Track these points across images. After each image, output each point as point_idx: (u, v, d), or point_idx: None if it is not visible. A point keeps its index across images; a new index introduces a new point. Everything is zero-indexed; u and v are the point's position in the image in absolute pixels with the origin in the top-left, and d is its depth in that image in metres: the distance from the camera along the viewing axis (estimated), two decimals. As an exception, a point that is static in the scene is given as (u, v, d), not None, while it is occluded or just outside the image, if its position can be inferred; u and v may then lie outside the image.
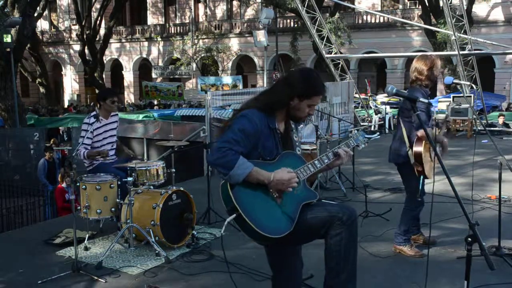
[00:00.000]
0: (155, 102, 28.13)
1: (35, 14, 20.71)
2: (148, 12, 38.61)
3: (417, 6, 28.33)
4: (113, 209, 4.81)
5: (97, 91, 24.74)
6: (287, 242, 2.62)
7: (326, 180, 7.32)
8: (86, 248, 4.69)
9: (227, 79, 28.81)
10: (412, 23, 25.01)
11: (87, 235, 4.81)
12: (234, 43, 34.38)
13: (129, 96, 38.10)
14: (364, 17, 30.67)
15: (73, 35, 37.80)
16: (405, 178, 4.43)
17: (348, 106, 14.01)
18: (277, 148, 2.70)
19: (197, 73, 33.94)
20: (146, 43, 37.73)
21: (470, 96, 13.45)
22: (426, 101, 3.47)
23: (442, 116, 4.51)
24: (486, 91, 19.16)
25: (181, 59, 33.94)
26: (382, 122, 15.95)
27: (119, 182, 4.88)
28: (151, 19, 38.45)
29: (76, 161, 5.74)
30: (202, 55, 33.99)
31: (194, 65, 34.39)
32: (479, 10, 26.11)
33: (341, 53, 17.99)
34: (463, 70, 14.40)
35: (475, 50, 15.45)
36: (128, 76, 38.87)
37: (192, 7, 36.55)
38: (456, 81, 5.01)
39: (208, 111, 8.74)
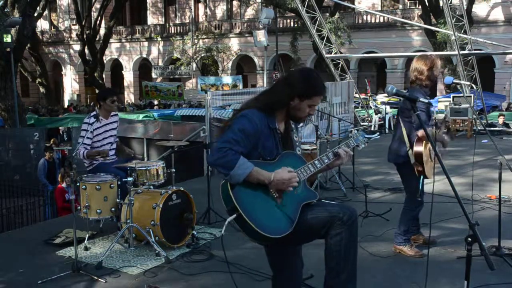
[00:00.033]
0: (155, 102, 28.14)
1: (35, 14, 20.72)
2: (148, 12, 38.61)
3: (417, 6, 28.34)
4: (113, 209, 4.80)
5: (97, 91, 24.74)
6: (287, 242, 2.62)
7: (326, 180, 7.32)
8: (86, 248, 4.69)
9: (227, 79, 28.82)
10: (412, 23, 25.01)
11: (87, 235, 4.81)
12: (234, 43, 34.39)
13: (129, 96, 38.10)
14: (364, 17, 30.68)
15: (73, 35, 37.81)
16: (404, 178, 4.43)
17: (348, 106, 14.01)
18: (277, 148, 2.70)
19: (197, 73, 33.94)
20: (146, 43, 37.74)
21: (470, 96, 13.45)
22: (426, 101, 3.47)
23: (441, 116, 4.50)
24: (486, 91, 19.16)
25: (181, 59, 33.95)
26: (382, 122, 15.95)
27: (119, 182, 4.88)
28: (151, 19, 38.46)
29: (76, 161, 5.74)
30: (202, 55, 34.00)
31: (194, 65, 34.39)
32: (479, 10, 26.12)
33: (341, 53, 17.99)
34: (463, 70, 14.40)
35: (475, 50, 15.45)
36: (128, 76, 38.88)
37: (192, 7, 36.55)
38: (456, 81, 5.01)
39: (208, 111, 8.74)
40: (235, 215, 2.49)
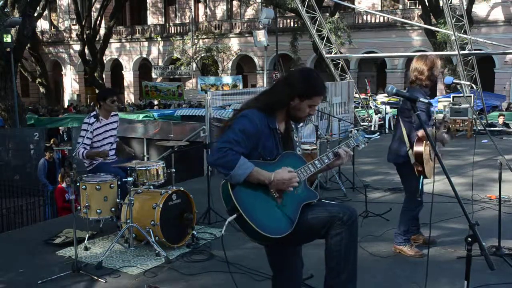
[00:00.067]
0: (155, 102, 28.14)
1: (35, 14, 20.72)
2: (148, 12, 38.62)
3: (417, 6, 28.34)
4: (113, 209, 4.80)
5: (97, 91, 24.74)
6: (287, 242, 2.61)
7: (326, 180, 7.32)
8: (86, 248, 4.69)
9: (227, 79, 28.82)
10: (412, 23, 25.02)
11: (87, 235, 4.81)
12: (234, 43, 34.39)
13: (129, 96, 38.10)
14: (364, 17, 30.68)
15: (73, 35, 37.81)
16: (404, 178, 4.43)
17: (348, 106, 14.01)
18: (278, 148, 2.70)
19: (197, 73, 33.95)
20: (146, 43, 37.74)
21: (470, 96, 13.46)
22: (426, 101, 3.47)
23: (440, 116, 4.50)
24: (486, 91, 19.16)
25: (181, 59, 33.95)
26: (382, 122, 15.95)
27: (119, 182, 4.88)
28: (151, 19, 38.46)
29: (76, 161, 5.74)
30: (202, 55, 34.00)
31: (194, 65, 34.40)
32: (479, 10, 26.12)
33: (341, 53, 17.99)
34: (463, 70, 14.40)
35: (475, 50, 15.45)
36: (128, 76, 38.88)
37: (192, 7, 36.56)
38: (456, 81, 5.01)
39: (208, 111, 8.74)
40: (235, 215, 2.49)
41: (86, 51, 30.76)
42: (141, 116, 16.07)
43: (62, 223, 5.67)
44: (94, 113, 5.28)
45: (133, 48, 38.35)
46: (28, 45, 23.36)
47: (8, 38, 15.10)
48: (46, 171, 11.20)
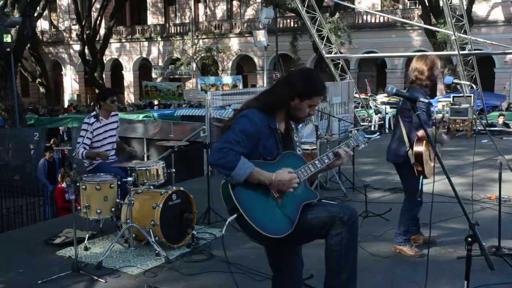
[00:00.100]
0: (155, 102, 28.14)
1: (35, 14, 20.72)
2: (148, 12, 38.62)
3: (417, 6, 28.34)
4: (113, 209, 4.80)
5: (97, 91, 24.74)
6: (287, 242, 2.61)
7: (326, 180, 7.32)
8: (86, 248, 4.69)
9: (227, 79, 28.82)
10: (412, 23, 25.02)
11: (87, 235, 4.81)
12: (234, 43, 34.39)
13: (129, 96, 38.10)
14: (364, 17, 30.68)
15: (73, 35, 37.82)
16: (404, 178, 4.43)
17: (348, 106, 14.01)
18: (278, 148, 2.70)
19: (197, 73, 33.95)
20: (146, 43, 37.74)
21: (470, 96, 13.46)
22: (426, 101, 3.47)
23: (439, 116, 4.51)
24: (486, 91, 19.16)
25: (181, 59, 33.96)
26: (382, 122, 15.95)
27: (119, 182, 4.88)
28: (151, 19, 38.46)
29: (76, 161, 5.75)
30: (202, 55, 34.00)
31: (194, 65, 34.40)
32: (479, 10, 26.12)
33: (341, 53, 17.99)
34: (463, 70, 14.40)
35: (475, 50, 15.45)
36: (128, 76, 38.88)
37: (192, 7, 36.56)
38: (456, 81, 5.01)
39: (208, 111, 8.74)
40: (235, 215, 2.49)
41: (86, 51, 30.77)
42: (141, 116, 16.07)
43: (62, 223, 5.67)
44: (94, 113, 5.28)
45: (133, 48, 38.35)
46: (28, 45, 23.37)
47: (8, 38, 15.10)
48: (46, 171, 11.20)
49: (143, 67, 38.53)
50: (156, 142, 9.28)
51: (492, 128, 13.93)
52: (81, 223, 4.83)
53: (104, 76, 32.55)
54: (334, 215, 2.62)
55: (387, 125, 15.34)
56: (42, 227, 6.25)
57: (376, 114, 16.71)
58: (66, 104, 36.28)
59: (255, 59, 33.88)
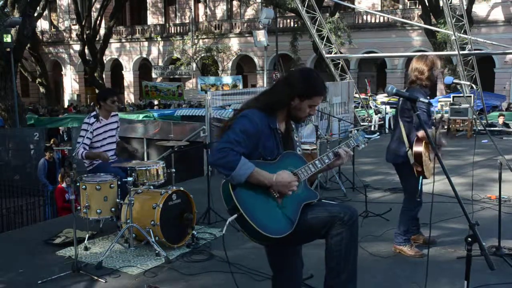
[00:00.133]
0: (155, 102, 28.15)
1: (35, 14, 20.72)
2: (148, 12, 38.62)
3: (417, 6, 28.35)
4: (113, 209, 4.80)
5: (97, 91, 24.74)
6: (288, 242, 2.61)
7: (326, 180, 7.32)
8: (86, 248, 4.69)
9: (227, 79, 28.82)
10: (412, 23, 25.02)
11: (87, 235, 4.81)
12: (234, 43, 34.39)
13: (129, 96, 38.11)
14: (364, 17, 30.68)
15: (73, 35, 37.82)
16: (403, 179, 4.43)
17: (348, 106, 14.01)
18: (278, 148, 2.70)
19: (197, 73, 33.95)
20: (146, 43, 37.74)
21: (470, 96, 13.46)
22: (426, 101, 3.47)
23: (438, 116, 4.51)
24: (486, 91, 19.17)
25: (181, 59, 33.96)
26: (382, 122, 15.96)
27: (119, 182, 4.88)
28: (151, 19, 38.47)
29: (76, 161, 5.75)
30: (202, 55, 34.00)
31: (194, 65, 34.40)
32: (479, 10, 26.12)
33: (341, 53, 17.99)
34: (463, 70, 14.40)
35: (475, 50, 15.45)
36: (128, 76, 38.88)
37: (192, 7, 36.56)
38: (456, 81, 5.01)
39: (208, 111, 8.74)
40: (236, 215, 2.49)
41: (86, 51, 30.77)
42: (141, 116, 16.07)
43: (62, 223, 5.67)
44: (94, 113, 5.28)
45: (133, 48, 38.36)
46: (28, 45, 23.37)
47: (8, 38, 15.10)
48: (46, 171, 11.20)
49: (143, 67, 38.54)
50: (156, 142, 9.29)
51: (492, 128, 13.93)
52: (81, 223, 4.83)
53: (104, 76, 32.56)
54: (334, 215, 2.62)
55: (387, 125, 15.34)
56: (42, 227, 6.24)
57: (376, 114, 16.71)
58: (66, 104, 36.28)
59: (255, 59, 33.89)
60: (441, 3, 16.95)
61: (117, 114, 5.66)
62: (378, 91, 27.67)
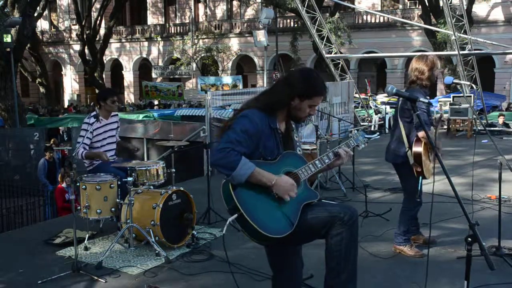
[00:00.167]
0: (155, 102, 28.15)
1: (35, 14, 20.72)
2: (148, 12, 38.62)
3: (417, 6, 28.35)
4: (113, 209, 4.80)
5: (97, 91, 24.74)
6: (288, 242, 2.61)
7: (326, 180, 7.32)
8: (86, 248, 4.69)
9: (227, 79, 28.83)
10: (412, 23, 25.02)
11: (87, 235, 4.81)
12: (234, 43, 34.39)
13: (129, 96, 38.11)
14: (364, 17, 30.69)
15: (73, 35, 37.82)
16: (403, 179, 4.43)
17: (348, 106, 14.02)
18: (278, 148, 2.70)
19: (197, 73, 33.95)
20: (146, 43, 37.74)
21: (470, 96, 13.45)
22: (426, 101, 3.47)
23: (437, 116, 4.51)
24: (486, 91, 19.16)
25: (181, 59, 33.96)
26: (382, 122, 15.96)
27: (119, 182, 4.88)
28: (151, 19, 38.47)
29: (76, 161, 5.74)
30: (202, 55, 34.00)
31: (194, 65, 34.40)
32: (479, 10, 26.12)
33: (341, 53, 17.99)
34: (463, 70, 14.40)
35: (475, 50, 15.46)
36: (128, 76, 38.88)
37: (192, 7, 36.56)
38: (456, 81, 5.01)
39: (208, 111, 8.74)
40: (236, 214, 2.48)
41: (86, 51, 30.78)
42: (141, 116, 16.07)
43: (62, 223, 5.67)
44: (94, 113, 5.28)
45: (133, 48, 38.36)
46: (28, 45, 23.37)
47: (8, 38, 15.10)
48: (46, 171, 11.20)
49: (143, 67, 38.54)
50: (156, 142, 9.29)
51: (492, 128, 13.93)
52: (81, 223, 4.83)
53: (104, 76, 32.56)
54: (334, 215, 2.62)
55: (387, 125, 15.34)
56: (42, 227, 6.24)
57: (376, 114, 16.71)
58: (66, 104, 36.29)
59: (255, 59, 33.89)
60: (441, 3, 16.95)
61: (117, 114, 5.66)
62: (378, 91, 27.68)
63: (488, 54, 23.25)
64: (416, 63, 4.20)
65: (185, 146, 5.98)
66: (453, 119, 13.33)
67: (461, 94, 14.24)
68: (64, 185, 8.93)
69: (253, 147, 2.58)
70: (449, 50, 18.80)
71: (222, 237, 4.49)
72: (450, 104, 13.49)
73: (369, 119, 16.67)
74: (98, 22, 30.66)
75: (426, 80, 4.15)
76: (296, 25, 29.96)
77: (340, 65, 16.31)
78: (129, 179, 4.58)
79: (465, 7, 15.35)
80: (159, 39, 36.18)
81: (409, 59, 19.09)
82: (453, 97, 14.14)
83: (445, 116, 13.25)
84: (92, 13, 31.79)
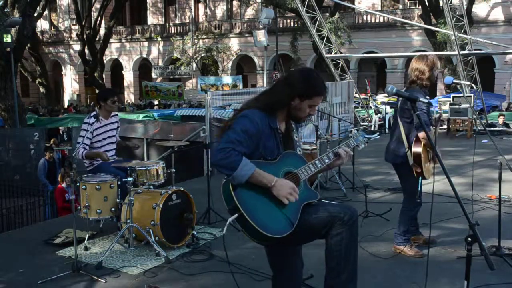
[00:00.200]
0: (155, 102, 28.14)
1: (35, 14, 20.72)
2: (148, 12, 38.62)
3: (417, 6, 28.35)
4: (113, 209, 4.80)
5: (97, 91, 24.74)
6: (288, 242, 2.61)
7: (326, 180, 7.32)
8: (86, 248, 4.69)
9: (227, 79, 28.83)
10: (412, 23, 25.02)
11: (87, 235, 4.81)
12: (234, 43, 34.39)
13: (129, 96, 38.11)
14: (364, 17, 30.69)
15: (73, 35, 37.83)
16: (403, 179, 4.43)
17: (348, 106, 14.02)
18: (278, 148, 2.70)
19: (197, 73, 33.95)
20: (146, 43, 37.74)
21: (470, 96, 13.45)
22: (426, 101, 3.47)
23: (436, 115, 4.52)
24: (486, 91, 19.16)
25: (181, 59, 33.96)
26: (382, 122, 15.96)
27: (119, 182, 4.88)
28: (151, 19, 38.47)
29: (76, 161, 5.75)
30: (202, 55, 34.01)
31: (194, 65, 34.40)
32: (479, 10, 26.12)
33: (341, 53, 17.99)
34: (463, 70, 14.40)
35: (475, 50, 15.46)
36: (128, 76, 38.89)
37: (192, 7, 36.56)
38: (456, 81, 5.01)
39: (208, 111, 8.74)
40: (236, 215, 2.48)
41: (86, 51, 30.77)
42: (141, 116, 16.07)
43: (62, 223, 5.67)
44: (94, 113, 5.28)
45: (133, 48, 38.36)
46: (28, 45, 23.37)
47: (8, 38, 15.10)
48: (46, 171, 11.20)
49: (143, 67, 38.54)
50: (156, 142, 9.29)
51: (492, 128, 13.93)
52: (81, 223, 4.83)
53: (104, 76, 32.56)
54: (334, 215, 2.62)
55: (387, 125, 15.34)
56: (42, 227, 6.25)
57: (376, 114, 16.71)
58: (66, 104, 36.28)
59: (255, 59, 33.89)
60: (441, 3, 16.95)
61: (117, 114, 5.66)
62: (378, 91, 27.68)
63: (488, 54, 23.26)
64: (417, 63, 4.20)
65: (185, 146, 5.98)
66: (453, 119, 13.33)
67: (461, 94, 14.24)
68: (64, 185, 8.93)
69: (254, 147, 2.58)
70: (449, 50, 18.80)
71: (222, 237, 4.51)
72: (450, 104, 13.49)
73: (369, 119, 16.67)
74: (98, 22, 30.67)
75: (426, 80, 4.15)
76: (296, 25, 29.96)
77: (340, 65, 16.31)
78: (129, 179, 4.58)
79: (465, 7, 15.35)
80: (159, 39, 36.19)
81: (409, 59, 19.08)
82: (453, 97, 14.14)
83: (445, 116, 13.25)
84: (92, 13, 31.80)
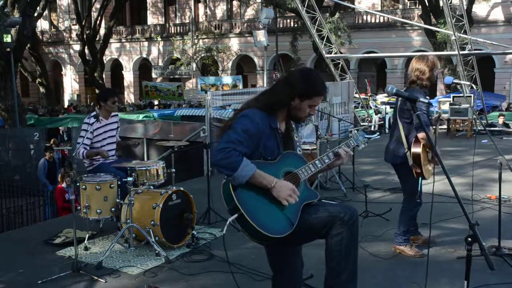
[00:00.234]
0: (155, 102, 28.14)
1: (35, 14, 20.72)
2: (148, 12, 38.62)
3: (417, 6, 28.35)
4: (113, 209, 4.80)
5: (97, 91, 24.77)
6: (288, 242, 2.61)
7: (326, 180, 7.32)
8: (86, 248, 4.69)
9: (227, 79, 28.82)
10: (412, 23, 25.02)
11: (87, 235, 4.81)
12: (234, 43, 34.39)
13: (129, 96, 38.11)
14: (364, 17, 30.69)
15: (73, 35, 37.83)
16: (402, 179, 4.43)
17: (348, 106, 14.01)
18: (278, 148, 2.70)
19: (197, 73, 33.95)
20: (146, 43, 37.74)
21: (470, 96, 13.45)
22: (426, 101, 3.47)
23: (435, 115, 4.52)
24: (486, 91, 19.17)
25: (181, 59, 33.96)
26: (382, 122, 15.95)
27: (119, 182, 4.88)
28: (151, 19, 38.47)
29: (76, 161, 5.76)
30: (202, 55, 34.00)
31: (194, 65, 34.40)
32: (479, 10, 26.12)
33: (341, 53, 17.99)
34: (463, 70, 14.40)
35: (475, 50, 15.46)
36: (128, 76, 38.88)
37: (192, 7, 36.56)
38: (456, 81, 5.01)
39: (208, 111, 8.74)
40: (236, 215, 2.48)
41: (86, 51, 30.77)
42: (141, 116, 16.07)
43: (62, 223, 5.67)
44: (94, 113, 5.29)
45: (133, 48, 38.36)
46: (28, 45, 23.36)
47: (8, 38, 15.10)
48: (46, 171, 11.20)
49: (143, 67, 38.54)
50: (156, 142, 9.29)
51: (492, 128, 13.93)
52: (81, 223, 4.83)
53: (104, 76, 32.56)
54: (334, 215, 2.62)
55: (387, 125, 15.33)
56: (42, 227, 6.25)
57: (376, 114, 16.71)
58: (66, 104, 36.28)
59: (255, 59, 33.89)
60: (441, 3, 16.95)
61: (117, 115, 5.67)
62: (378, 91, 27.68)
63: (488, 54, 23.26)
64: (417, 63, 4.20)
65: (185, 146, 5.98)
66: (453, 119, 13.33)
67: (461, 94, 14.24)
68: (64, 185, 8.93)
69: (254, 147, 2.58)
70: (449, 50, 18.80)
71: (222, 237, 4.51)
72: (450, 104, 13.49)
73: (369, 119, 16.67)
74: (98, 22, 30.66)
75: (426, 80, 4.15)
76: (296, 25, 29.96)
77: (340, 65, 16.31)
78: (129, 179, 4.58)
79: (465, 7, 15.35)
80: (159, 39, 36.18)
81: (409, 59, 19.07)
82: (453, 97, 14.14)
83: (445, 116, 13.25)
84: (92, 13, 31.79)
